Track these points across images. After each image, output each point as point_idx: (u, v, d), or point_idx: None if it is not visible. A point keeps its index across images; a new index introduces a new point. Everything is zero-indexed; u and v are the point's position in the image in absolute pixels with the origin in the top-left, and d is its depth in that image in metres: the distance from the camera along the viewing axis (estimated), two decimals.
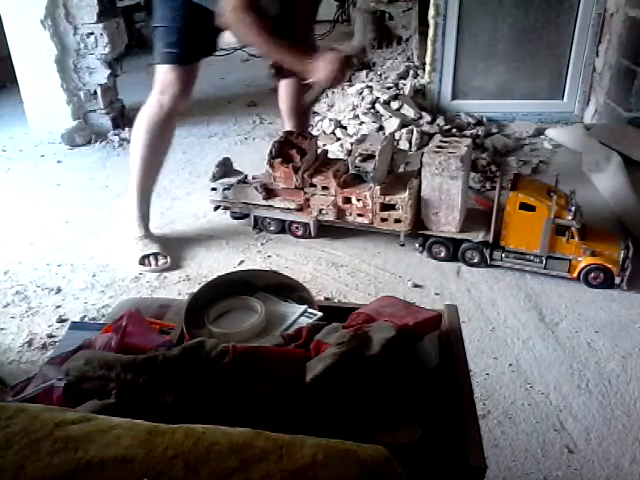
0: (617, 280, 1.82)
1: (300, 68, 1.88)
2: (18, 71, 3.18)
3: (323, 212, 2.09)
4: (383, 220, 2.02)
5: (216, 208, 2.28)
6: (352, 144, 2.45)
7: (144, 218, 2.15)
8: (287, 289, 0.98)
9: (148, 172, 2.08)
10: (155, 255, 2.04)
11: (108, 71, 3.21)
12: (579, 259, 1.83)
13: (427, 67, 3.17)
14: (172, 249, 2.12)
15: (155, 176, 2.12)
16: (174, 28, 1.91)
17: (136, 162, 2.05)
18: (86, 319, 1.76)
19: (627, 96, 2.75)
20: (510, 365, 1.56)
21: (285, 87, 2.33)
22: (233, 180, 2.22)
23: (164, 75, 1.96)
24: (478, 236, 1.95)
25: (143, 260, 2.03)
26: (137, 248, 2.07)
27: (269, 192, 2.14)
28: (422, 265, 2.01)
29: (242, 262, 2.05)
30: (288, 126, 2.39)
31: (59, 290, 1.91)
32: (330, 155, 2.38)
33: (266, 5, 1.83)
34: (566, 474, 1.26)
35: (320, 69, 1.83)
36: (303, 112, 2.38)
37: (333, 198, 2.07)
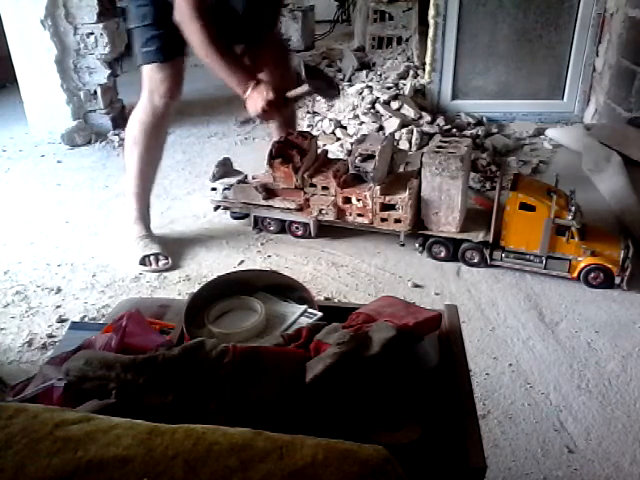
0: (617, 280, 1.82)
1: (236, 90, 1.85)
2: (18, 71, 3.18)
3: (323, 212, 2.09)
4: (383, 220, 2.02)
5: (216, 208, 2.28)
6: (352, 144, 2.45)
7: (144, 218, 2.15)
8: (287, 289, 0.98)
9: (145, 173, 2.07)
10: (156, 255, 2.04)
11: (108, 71, 3.21)
12: (579, 259, 1.83)
13: (427, 67, 3.17)
14: (172, 249, 2.12)
15: (152, 176, 2.12)
16: (147, 25, 1.90)
17: (132, 164, 2.05)
18: (86, 319, 1.76)
19: (627, 96, 2.75)
20: (510, 365, 1.56)
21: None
22: (233, 180, 2.22)
23: (150, 75, 1.96)
24: (478, 236, 1.95)
25: (144, 260, 2.03)
26: (138, 248, 2.07)
27: (269, 192, 2.14)
28: (422, 265, 2.01)
29: (242, 262, 2.05)
30: (274, 127, 2.34)
31: (59, 290, 1.91)
32: (330, 155, 2.38)
33: (222, 12, 1.83)
34: (566, 474, 1.26)
35: (252, 99, 1.81)
36: (289, 114, 2.36)
37: (333, 198, 2.07)
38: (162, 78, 1.94)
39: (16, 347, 1.66)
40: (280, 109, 1.86)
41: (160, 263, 2.02)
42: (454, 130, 2.91)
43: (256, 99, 1.80)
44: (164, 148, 2.12)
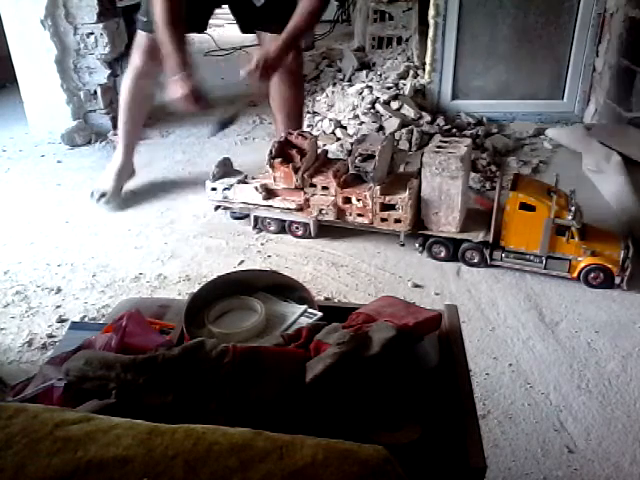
0: (617, 280, 1.82)
1: (168, 69, 2.00)
2: (18, 71, 3.18)
3: (323, 212, 2.09)
4: (383, 220, 2.02)
5: (216, 208, 2.28)
6: (352, 144, 2.45)
7: (124, 169, 2.50)
8: (287, 289, 0.98)
9: (131, 122, 2.45)
10: (103, 194, 2.40)
11: (108, 71, 3.21)
12: (579, 259, 1.83)
13: (427, 67, 3.17)
14: (172, 248, 2.12)
15: (137, 127, 2.51)
16: None
17: (121, 114, 2.44)
18: (86, 319, 1.76)
19: (627, 96, 2.75)
20: (510, 365, 1.56)
21: (275, 85, 2.36)
22: (233, 180, 2.22)
23: (138, 39, 2.27)
24: (478, 236, 1.95)
25: (92, 193, 2.42)
26: (100, 184, 2.45)
27: (269, 192, 2.14)
28: (422, 265, 2.01)
29: (242, 262, 2.05)
30: (279, 122, 2.46)
31: (59, 290, 1.91)
32: (330, 155, 2.38)
33: None
34: (566, 474, 1.26)
35: (175, 85, 1.97)
36: (294, 110, 2.42)
37: (333, 198, 2.07)
38: (146, 44, 2.21)
39: (16, 347, 1.66)
40: (200, 105, 2.04)
41: (100, 201, 2.40)
42: (454, 130, 2.91)
43: (178, 86, 1.97)
44: (147, 106, 2.51)
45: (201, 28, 2.43)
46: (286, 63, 2.16)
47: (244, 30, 2.40)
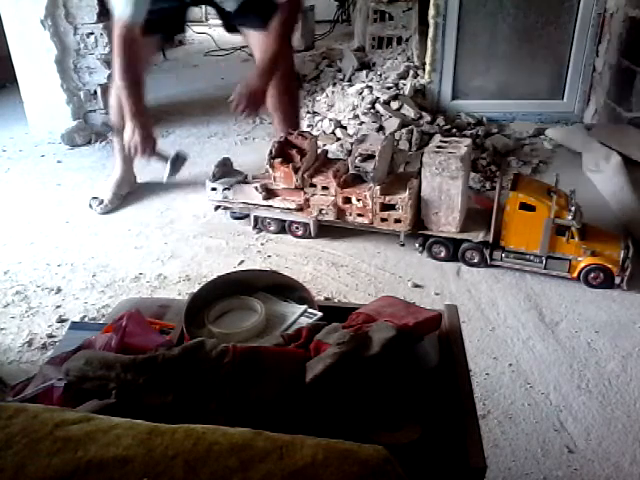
0: (617, 280, 1.82)
1: (125, 116, 2.10)
2: (18, 71, 3.18)
3: (323, 212, 2.09)
4: (383, 220, 2.02)
5: (216, 208, 2.28)
6: (352, 144, 2.45)
7: (123, 180, 2.47)
8: (287, 289, 0.98)
9: (127, 88, 2.16)
10: (101, 202, 2.38)
11: (108, 71, 3.20)
12: (579, 259, 1.83)
13: (427, 67, 3.17)
14: (172, 248, 2.13)
15: (135, 92, 2.18)
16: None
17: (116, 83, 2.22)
18: (86, 319, 1.76)
19: (627, 96, 2.75)
20: (510, 365, 1.56)
21: (277, 94, 2.35)
22: (233, 180, 2.22)
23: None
24: (478, 236, 1.95)
25: (92, 200, 2.40)
26: (99, 192, 2.43)
27: (269, 192, 2.14)
28: (422, 265, 2.01)
29: (242, 262, 2.05)
30: (275, 123, 2.47)
31: (59, 290, 1.91)
32: (330, 155, 2.38)
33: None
34: (566, 474, 1.26)
35: (130, 132, 2.08)
36: (290, 110, 2.42)
37: (333, 198, 2.07)
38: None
39: (16, 347, 1.66)
40: (147, 154, 2.12)
41: (99, 207, 2.38)
42: (454, 130, 2.91)
43: (134, 134, 2.08)
44: (140, 72, 2.18)
45: (178, 30, 2.45)
46: (286, 64, 2.17)
47: (228, 30, 2.38)
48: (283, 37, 2.05)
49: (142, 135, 2.08)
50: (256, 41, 2.21)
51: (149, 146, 2.11)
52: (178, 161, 2.20)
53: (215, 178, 2.24)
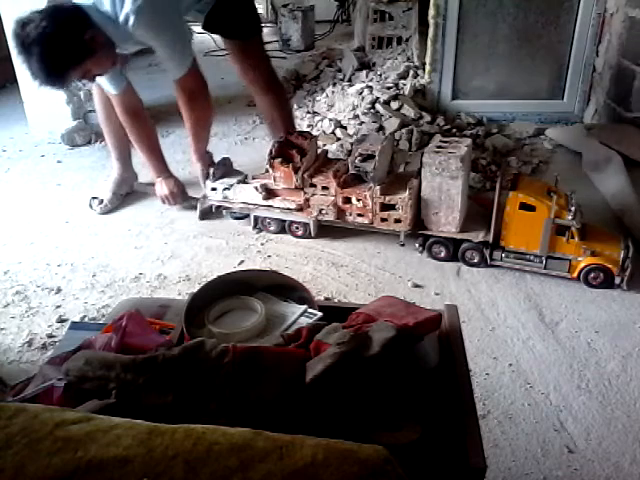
0: (617, 280, 1.82)
1: (151, 173, 2.38)
2: (18, 71, 3.17)
3: (323, 212, 2.09)
4: (383, 220, 2.02)
5: (216, 208, 2.29)
6: (352, 144, 2.45)
7: (122, 180, 2.51)
8: (287, 289, 0.98)
9: (113, 135, 2.45)
10: (100, 202, 2.41)
11: None
12: (579, 259, 1.83)
13: (427, 67, 3.17)
14: (172, 248, 2.12)
15: (121, 139, 2.43)
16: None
17: (103, 129, 2.51)
18: (86, 319, 1.76)
19: (627, 96, 2.75)
20: (510, 365, 1.56)
21: (255, 94, 2.44)
22: (233, 180, 2.22)
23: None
24: (478, 236, 1.95)
25: (92, 200, 2.43)
26: (105, 185, 2.48)
27: (269, 192, 2.14)
28: (422, 265, 2.01)
29: (242, 262, 2.05)
30: (268, 128, 2.57)
31: (59, 290, 1.91)
32: (330, 155, 2.38)
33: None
34: (566, 474, 1.26)
35: (160, 186, 2.34)
36: (279, 114, 2.44)
37: (333, 198, 2.07)
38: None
39: (16, 347, 1.66)
40: (179, 200, 2.38)
41: (99, 207, 2.41)
42: (454, 130, 2.91)
43: (162, 187, 2.34)
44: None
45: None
46: (259, 73, 2.30)
47: (204, 27, 2.34)
48: (197, 122, 2.21)
49: (169, 187, 2.33)
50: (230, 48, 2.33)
51: (179, 195, 2.35)
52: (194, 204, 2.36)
53: (215, 178, 2.24)
